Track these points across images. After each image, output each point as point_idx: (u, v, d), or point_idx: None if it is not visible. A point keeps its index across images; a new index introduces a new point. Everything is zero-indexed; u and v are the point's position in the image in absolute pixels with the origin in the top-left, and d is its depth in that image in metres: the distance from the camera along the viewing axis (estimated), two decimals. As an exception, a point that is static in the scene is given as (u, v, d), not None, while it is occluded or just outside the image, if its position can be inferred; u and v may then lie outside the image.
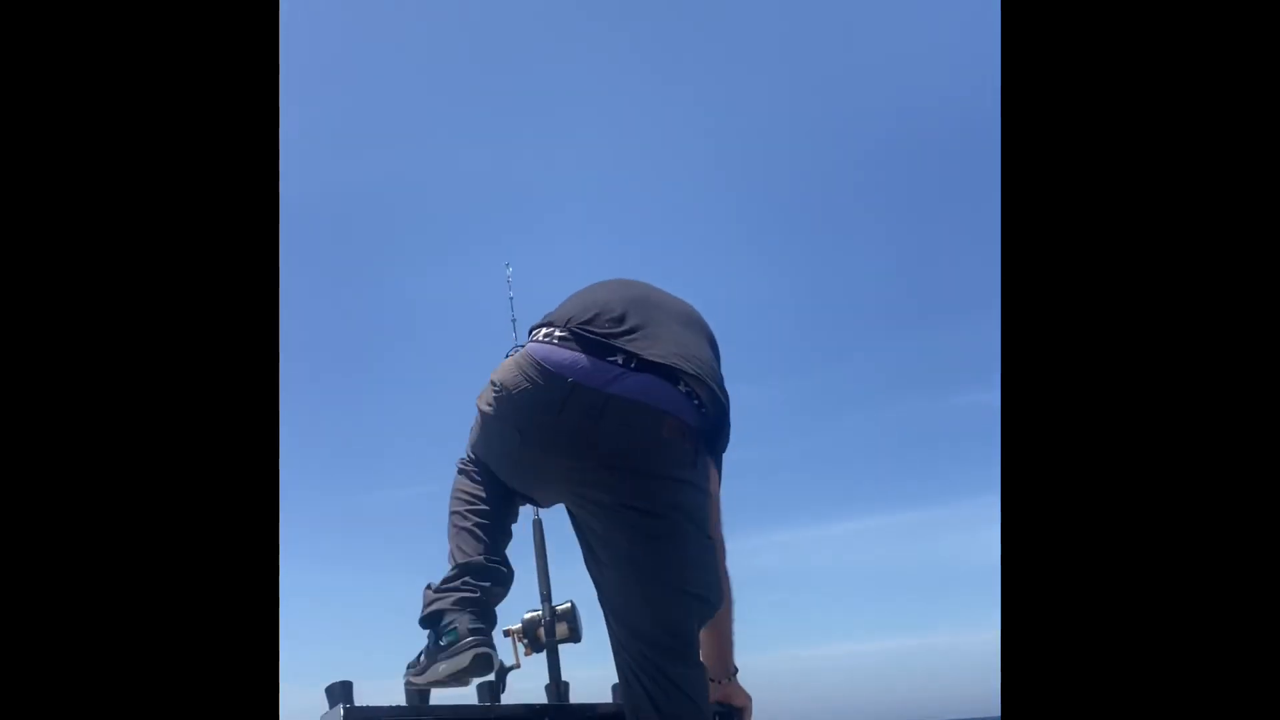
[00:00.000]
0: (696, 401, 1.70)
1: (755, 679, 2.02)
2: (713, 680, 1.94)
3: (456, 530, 1.86)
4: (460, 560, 1.81)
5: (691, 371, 1.69)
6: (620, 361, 1.67)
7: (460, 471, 1.96)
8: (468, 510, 1.86)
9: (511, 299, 2.24)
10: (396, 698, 1.87)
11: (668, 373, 1.67)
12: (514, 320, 2.20)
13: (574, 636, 2.11)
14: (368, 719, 1.74)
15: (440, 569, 1.86)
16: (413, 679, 1.80)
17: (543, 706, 1.95)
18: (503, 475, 1.88)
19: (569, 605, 2.09)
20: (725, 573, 1.89)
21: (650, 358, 1.67)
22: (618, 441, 1.65)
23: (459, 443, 2.02)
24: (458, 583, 1.78)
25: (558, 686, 2.03)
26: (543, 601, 2.09)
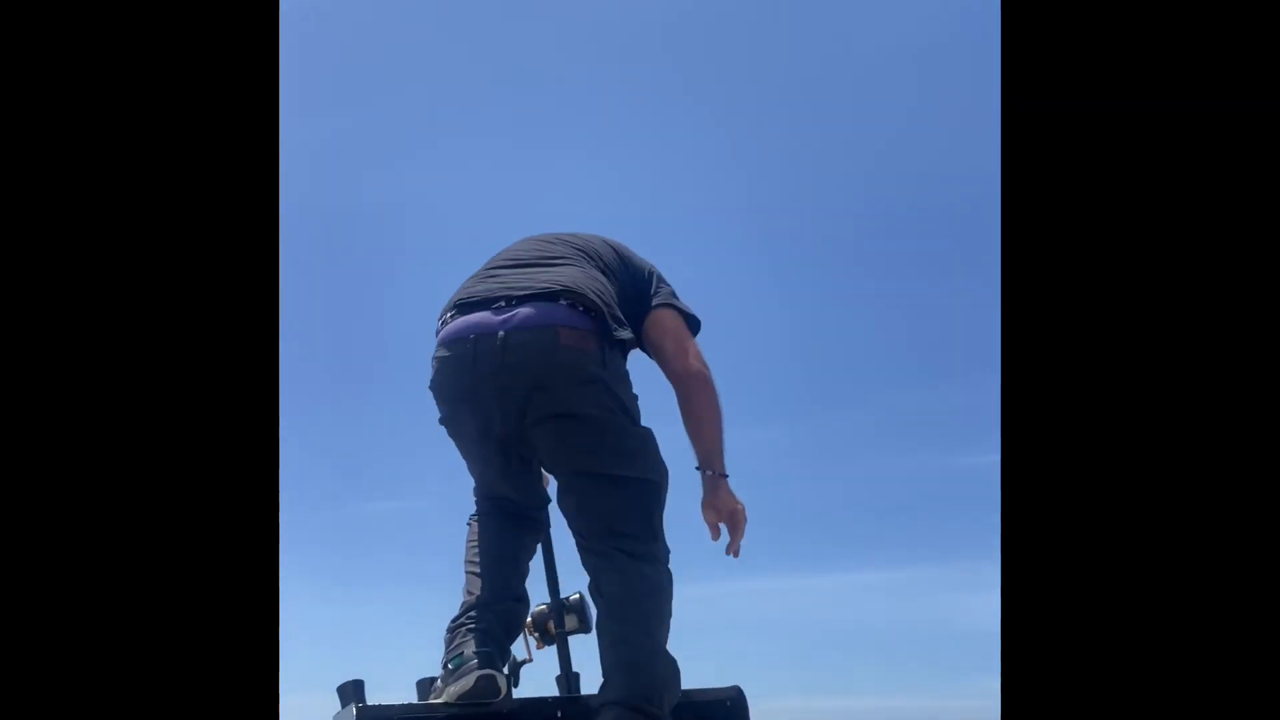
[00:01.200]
0: (582, 309, 1.88)
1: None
2: (702, 470, 1.99)
3: (467, 576, 2.04)
4: (465, 600, 1.98)
5: (569, 288, 1.90)
6: (504, 304, 1.90)
7: (469, 524, 2.13)
8: (474, 556, 2.04)
9: None
10: (408, 696, 1.89)
11: (547, 294, 1.89)
12: None
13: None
14: (380, 718, 1.75)
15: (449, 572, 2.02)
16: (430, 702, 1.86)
17: (554, 699, 1.96)
18: (490, 473, 2.04)
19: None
20: (711, 385, 2.01)
21: (525, 290, 1.90)
22: (526, 364, 1.85)
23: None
24: (463, 618, 1.94)
25: (568, 678, 2.05)
26: (551, 594, 2.11)
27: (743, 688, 2.00)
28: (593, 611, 2.14)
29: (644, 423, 1.94)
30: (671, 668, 1.83)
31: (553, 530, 2.12)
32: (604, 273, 2.03)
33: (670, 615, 1.86)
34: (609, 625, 1.83)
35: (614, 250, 2.12)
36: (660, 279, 2.12)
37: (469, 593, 2.00)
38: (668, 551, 1.90)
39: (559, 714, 1.88)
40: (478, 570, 2.02)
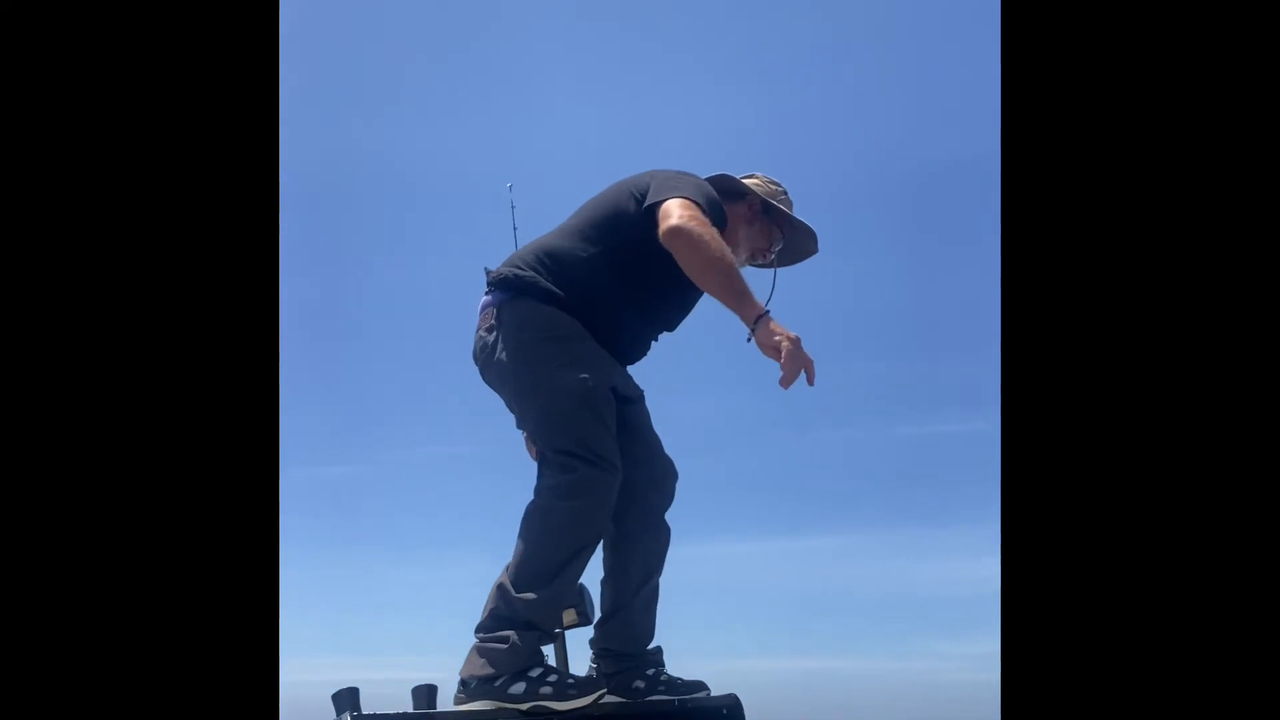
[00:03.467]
0: (493, 287, 2.14)
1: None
2: (751, 329, 1.88)
3: None
4: None
5: (492, 273, 2.16)
6: None
7: None
8: None
9: (513, 207, 2.53)
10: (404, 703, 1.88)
11: (488, 289, 2.17)
12: (515, 229, 2.50)
13: (583, 620, 2.11)
14: (376, 726, 1.74)
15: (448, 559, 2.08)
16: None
17: (552, 708, 1.94)
18: None
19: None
20: (687, 236, 1.95)
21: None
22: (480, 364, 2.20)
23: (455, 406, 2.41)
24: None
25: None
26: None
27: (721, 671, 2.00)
28: (592, 604, 2.13)
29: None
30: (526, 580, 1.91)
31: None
32: (575, 227, 2.15)
33: (564, 523, 1.95)
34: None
35: (615, 190, 2.16)
36: (656, 185, 2.08)
37: None
38: (585, 461, 1.97)
39: None
40: None
